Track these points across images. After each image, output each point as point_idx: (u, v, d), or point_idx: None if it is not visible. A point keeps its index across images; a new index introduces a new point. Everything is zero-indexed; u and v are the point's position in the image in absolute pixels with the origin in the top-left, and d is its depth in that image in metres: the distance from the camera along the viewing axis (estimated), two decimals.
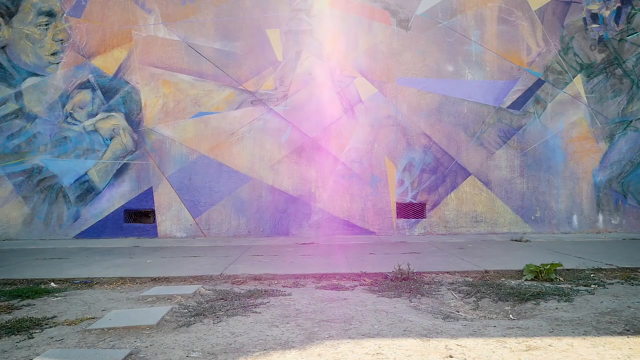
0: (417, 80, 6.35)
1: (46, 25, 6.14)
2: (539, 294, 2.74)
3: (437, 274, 3.46)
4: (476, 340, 1.97)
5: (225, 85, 6.21)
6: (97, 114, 6.15)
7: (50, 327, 2.23)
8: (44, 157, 6.10)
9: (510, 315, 2.42)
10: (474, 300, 2.70)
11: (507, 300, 2.66)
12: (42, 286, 3.15)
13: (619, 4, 6.50)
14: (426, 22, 6.35)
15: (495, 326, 2.19)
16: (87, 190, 6.11)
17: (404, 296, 2.77)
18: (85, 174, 6.10)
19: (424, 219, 6.32)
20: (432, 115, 6.34)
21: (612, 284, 3.08)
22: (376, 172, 6.30)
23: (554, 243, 5.21)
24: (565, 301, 2.61)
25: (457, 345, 1.92)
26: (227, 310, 2.46)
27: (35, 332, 2.14)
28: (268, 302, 2.63)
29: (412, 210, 6.34)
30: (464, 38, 6.38)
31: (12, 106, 6.10)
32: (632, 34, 6.52)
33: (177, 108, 6.19)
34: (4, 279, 3.36)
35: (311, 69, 6.28)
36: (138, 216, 6.20)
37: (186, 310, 2.46)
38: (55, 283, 3.27)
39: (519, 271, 3.44)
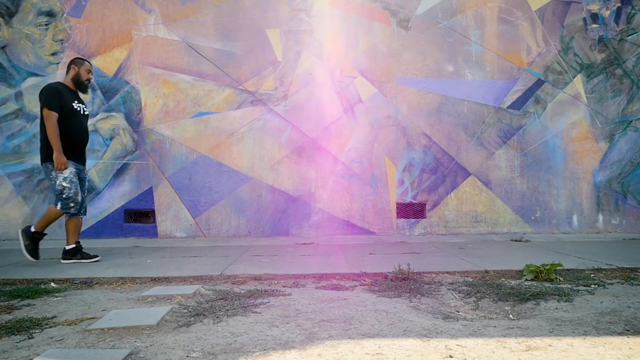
0: (417, 80, 6.35)
1: (46, 25, 6.14)
2: (539, 294, 2.74)
3: (437, 274, 3.46)
4: (476, 340, 1.97)
5: (225, 85, 6.21)
6: (97, 114, 6.15)
7: (50, 327, 2.23)
8: None
9: (510, 315, 2.42)
10: (474, 300, 2.70)
11: (507, 300, 2.66)
12: (42, 286, 3.15)
13: (619, 4, 6.50)
14: (426, 22, 6.35)
15: (495, 326, 2.19)
16: (87, 190, 6.10)
17: (404, 296, 2.77)
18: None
19: (424, 219, 6.32)
20: (432, 115, 6.34)
21: (612, 284, 3.08)
22: (376, 172, 6.30)
23: (554, 243, 5.21)
24: (565, 301, 2.61)
25: (457, 345, 1.92)
26: (227, 310, 2.46)
27: (35, 332, 2.14)
28: (268, 302, 2.63)
29: (412, 210, 6.34)
30: (464, 38, 6.38)
31: (12, 106, 6.10)
32: (632, 34, 6.52)
33: (177, 108, 6.20)
34: (4, 279, 3.36)
35: (311, 69, 6.28)
36: (138, 216, 6.20)
37: (186, 310, 2.46)
38: (55, 283, 3.27)
39: (519, 271, 3.44)
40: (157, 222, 6.15)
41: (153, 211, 6.16)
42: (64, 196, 4.01)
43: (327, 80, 6.29)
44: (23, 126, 6.09)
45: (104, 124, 6.15)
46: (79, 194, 4.10)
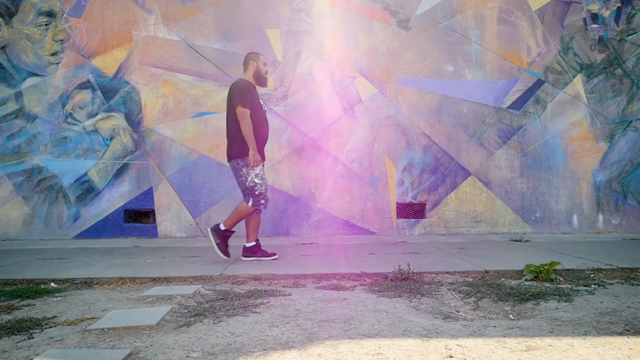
0: (417, 80, 6.35)
1: (46, 25, 6.14)
2: (539, 294, 2.74)
3: (437, 274, 3.46)
4: (476, 341, 1.97)
5: (225, 85, 6.20)
6: (97, 114, 6.15)
7: (50, 327, 2.23)
8: (44, 157, 6.10)
9: (510, 316, 2.42)
10: (474, 301, 2.70)
11: (507, 301, 2.66)
12: (42, 286, 3.15)
13: (619, 4, 6.50)
14: (426, 22, 6.35)
15: (495, 326, 2.19)
16: (87, 190, 6.11)
17: (404, 296, 2.77)
18: (85, 174, 6.11)
19: (424, 219, 6.32)
20: (432, 115, 6.34)
21: (612, 284, 3.08)
22: (376, 172, 6.30)
23: (554, 243, 5.21)
24: (565, 301, 2.61)
25: (457, 345, 1.92)
26: (227, 310, 2.46)
27: (35, 332, 2.14)
28: (268, 302, 2.63)
29: (412, 210, 6.34)
30: (464, 38, 6.38)
31: (12, 106, 6.10)
32: (632, 34, 6.52)
33: (177, 108, 6.20)
34: (4, 279, 3.36)
35: (311, 69, 6.28)
36: (138, 216, 6.21)
37: (186, 311, 2.47)
38: (55, 283, 3.27)
39: (519, 271, 3.44)
40: (157, 222, 6.15)
41: (153, 211, 6.16)
42: (256, 193, 4.02)
43: (327, 80, 6.29)
44: (23, 126, 6.09)
45: (104, 124, 6.15)
46: (268, 190, 4.14)
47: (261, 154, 4.15)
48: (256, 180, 4.03)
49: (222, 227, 4.08)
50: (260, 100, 4.20)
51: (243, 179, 4.03)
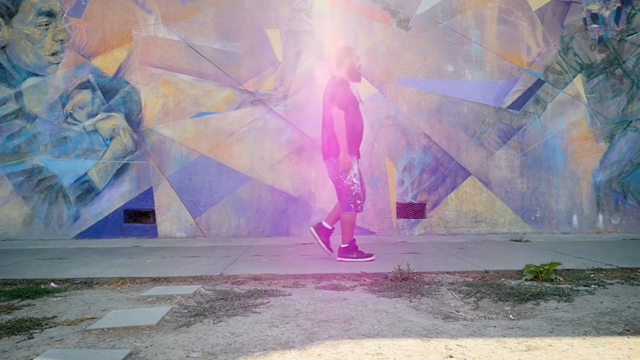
0: (417, 80, 6.35)
1: (46, 25, 6.14)
2: (539, 294, 2.74)
3: (437, 274, 3.46)
4: (476, 341, 1.97)
5: (225, 85, 6.21)
6: (97, 114, 6.15)
7: (50, 327, 2.23)
8: (44, 157, 6.10)
9: (510, 316, 2.42)
10: (474, 301, 2.70)
11: (507, 301, 2.66)
12: (42, 286, 3.15)
13: (619, 4, 6.50)
14: (426, 22, 6.35)
15: (495, 326, 2.19)
16: (87, 190, 6.11)
17: (404, 296, 2.77)
18: (85, 174, 6.11)
19: (424, 219, 6.31)
20: (432, 115, 6.34)
21: (612, 284, 3.08)
22: (376, 172, 6.30)
23: (554, 243, 5.21)
24: (565, 301, 2.61)
25: (457, 345, 1.92)
26: (227, 310, 2.46)
27: (35, 332, 2.14)
28: (268, 302, 2.63)
29: (412, 211, 6.34)
30: (464, 38, 6.38)
31: (12, 106, 6.10)
32: (632, 34, 6.52)
33: (177, 108, 6.19)
34: (4, 279, 3.36)
35: (311, 69, 6.28)
36: (138, 216, 6.20)
37: (186, 311, 2.47)
38: (55, 283, 3.27)
39: (519, 271, 3.44)
40: (157, 222, 6.15)
41: (153, 211, 6.16)
42: (353, 193, 4.02)
43: (327, 80, 6.27)
44: (23, 126, 6.09)
45: (104, 124, 6.15)
46: (362, 190, 4.14)
47: (357, 150, 4.15)
48: (354, 180, 4.03)
49: (343, 245, 4.10)
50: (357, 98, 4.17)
51: (342, 176, 4.02)
